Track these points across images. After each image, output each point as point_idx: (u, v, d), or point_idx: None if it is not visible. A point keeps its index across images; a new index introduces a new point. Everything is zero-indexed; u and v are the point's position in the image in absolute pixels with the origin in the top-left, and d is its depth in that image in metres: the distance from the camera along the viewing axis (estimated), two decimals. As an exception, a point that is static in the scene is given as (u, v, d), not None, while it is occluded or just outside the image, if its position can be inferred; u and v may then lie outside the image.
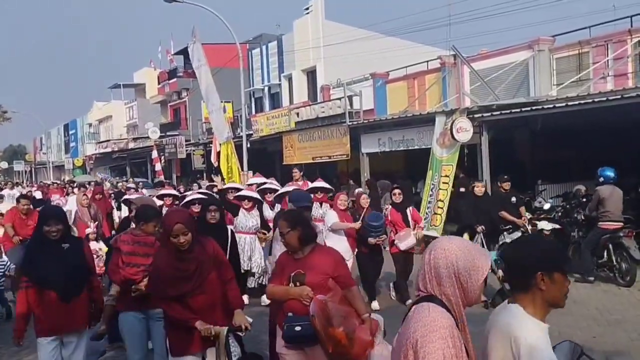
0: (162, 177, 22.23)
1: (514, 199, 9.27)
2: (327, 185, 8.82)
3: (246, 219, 7.92)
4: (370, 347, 3.59)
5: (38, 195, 19.79)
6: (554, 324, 6.28)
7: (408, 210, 7.98)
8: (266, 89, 28.56)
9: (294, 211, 4.96)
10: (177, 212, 3.99)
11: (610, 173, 8.83)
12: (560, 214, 11.17)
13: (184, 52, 35.57)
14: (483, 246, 7.59)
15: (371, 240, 7.34)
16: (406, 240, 7.67)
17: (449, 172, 12.29)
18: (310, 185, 9.13)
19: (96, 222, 9.87)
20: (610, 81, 13.42)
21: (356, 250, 7.67)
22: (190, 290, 3.64)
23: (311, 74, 25.63)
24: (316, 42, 24.29)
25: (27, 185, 29.21)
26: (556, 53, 14.76)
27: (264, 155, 21.79)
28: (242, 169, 17.34)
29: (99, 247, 8.68)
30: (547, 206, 11.58)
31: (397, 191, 8.06)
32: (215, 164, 18.73)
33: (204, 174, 24.76)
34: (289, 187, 8.30)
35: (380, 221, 7.42)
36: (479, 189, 8.57)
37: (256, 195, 8.25)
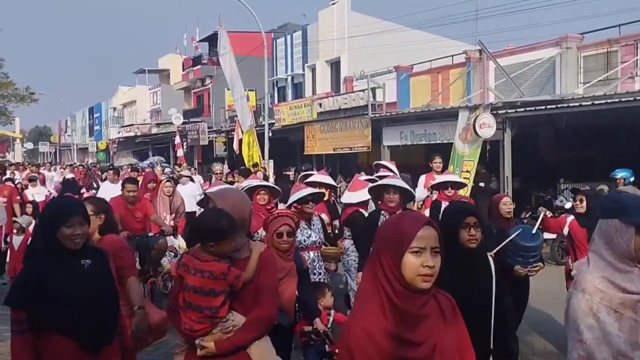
0: (184, 163, 22.44)
1: None
2: (459, 179, 7.11)
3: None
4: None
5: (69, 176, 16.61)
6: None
7: None
8: (289, 78, 28.61)
9: (102, 199, 4.40)
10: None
11: (628, 173, 8.79)
12: (581, 213, 11.07)
13: (209, 39, 35.84)
14: None
15: (519, 269, 4.40)
16: None
17: (470, 168, 12.25)
18: (442, 178, 7.27)
19: (172, 215, 8.42)
20: (638, 81, 13.23)
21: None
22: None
23: (335, 65, 25.62)
24: (341, 33, 24.25)
25: (49, 167, 28.76)
26: (584, 51, 14.57)
27: (285, 145, 21.89)
28: (263, 158, 17.51)
29: (178, 245, 7.53)
30: (568, 205, 11.48)
31: (578, 197, 5.76)
32: (237, 152, 18.92)
33: (225, 161, 24.98)
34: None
35: (537, 241, 4.61)
36: None
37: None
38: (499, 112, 11.93)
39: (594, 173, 13.31)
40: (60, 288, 2.62)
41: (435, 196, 7.37)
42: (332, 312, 4.55)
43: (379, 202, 5.73)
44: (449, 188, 6.68)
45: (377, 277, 1.85)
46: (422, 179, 8.52)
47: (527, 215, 12.67)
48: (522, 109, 11.76)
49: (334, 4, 25.45)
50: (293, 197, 5.58)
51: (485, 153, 12.39)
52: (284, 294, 3.61)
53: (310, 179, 7.13)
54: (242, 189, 6.04)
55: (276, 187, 6.52)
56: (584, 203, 5.61)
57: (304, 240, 5.24)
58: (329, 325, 4.29)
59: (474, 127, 11.72)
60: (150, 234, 7.17)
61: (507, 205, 5.29)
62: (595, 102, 10.61)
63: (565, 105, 11.21)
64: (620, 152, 11.87)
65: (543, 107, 11.36)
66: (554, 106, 11.28)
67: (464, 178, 12.26)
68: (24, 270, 2.76)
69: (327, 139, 18.35)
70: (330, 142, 18.19)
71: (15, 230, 8.41)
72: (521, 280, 4.66)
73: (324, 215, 6.22)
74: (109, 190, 9.86)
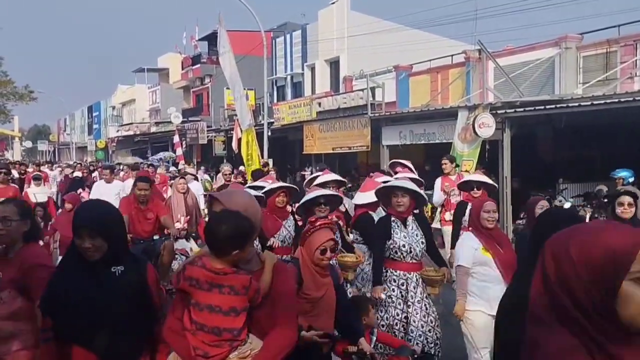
0: (183, 162, 22.40)
1: None
2: (488, 180, 6.57)
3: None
4: None
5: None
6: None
7: None
8: (289, 77, 28.61)
9: (25, 201, 3.92)
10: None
11: (627, 173, 8.80)
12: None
13: (209, 38, 35.86)
14: None
15: None
16: None
17: (469, 167, 12.23)
18: (468, 177, 6.95)
19: (187, 217, 7.80)
20: (637, 81, 13.23)
21: None
22: None
23: (334, 65, 25.61)
24: (340, 33, 24.25)
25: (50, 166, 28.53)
26: (583, 51, 14.57)
27: (285, 144, 21.90)
28: (262, 157, 17.49)
29: (190, 248, 7.03)
30: (567, 205, 11.51)
31: (626, 199, 4.75)
32: (236, 151, 18.91)
33: (224, 160, 24.97)
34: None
35: None
36: None
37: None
38: (498, 112, 11.92)
39: (594, 173, 13.33)
40: (78, 294, 2.41)
41: (453, 199, 7.16)
42: (375, 330, 4.23)
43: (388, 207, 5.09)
44: (475, 189, 6.29)
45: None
46: (438, 182, 8.45)
47: (526, 216, 12.67)
48: (522, 109, 11.75)
49: (333, 3, 25.44)
50: (303, 200, 5.15)
51: (484, 153, 12.39)
52: (325, 315, 3.19)
53: (318, 181, 6.67)
54: (263, 190, 5.76)
55: (294, 186, 6.22)
56: (634, 208, 4.65)
57: None
58: (372, 345, 3.90)
59: (473, 127, 11.71)
60: (155, 237, 6.68)
61: (543, 209, 4.58)
62: (595, 102, 10.60)
63: (565, 105, 11.20)
64: (620, 152, 11.88)
65: (542, 107, 11.36)
66: (553, 106, 11.27)
67: (463, 178, 12.27)
68: (52, 275, 2.63)
69: (326, 139, 18.35)
70: (330, 142, 18.18)
71: None
72: None
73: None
74: (102, 190, 9.65)
